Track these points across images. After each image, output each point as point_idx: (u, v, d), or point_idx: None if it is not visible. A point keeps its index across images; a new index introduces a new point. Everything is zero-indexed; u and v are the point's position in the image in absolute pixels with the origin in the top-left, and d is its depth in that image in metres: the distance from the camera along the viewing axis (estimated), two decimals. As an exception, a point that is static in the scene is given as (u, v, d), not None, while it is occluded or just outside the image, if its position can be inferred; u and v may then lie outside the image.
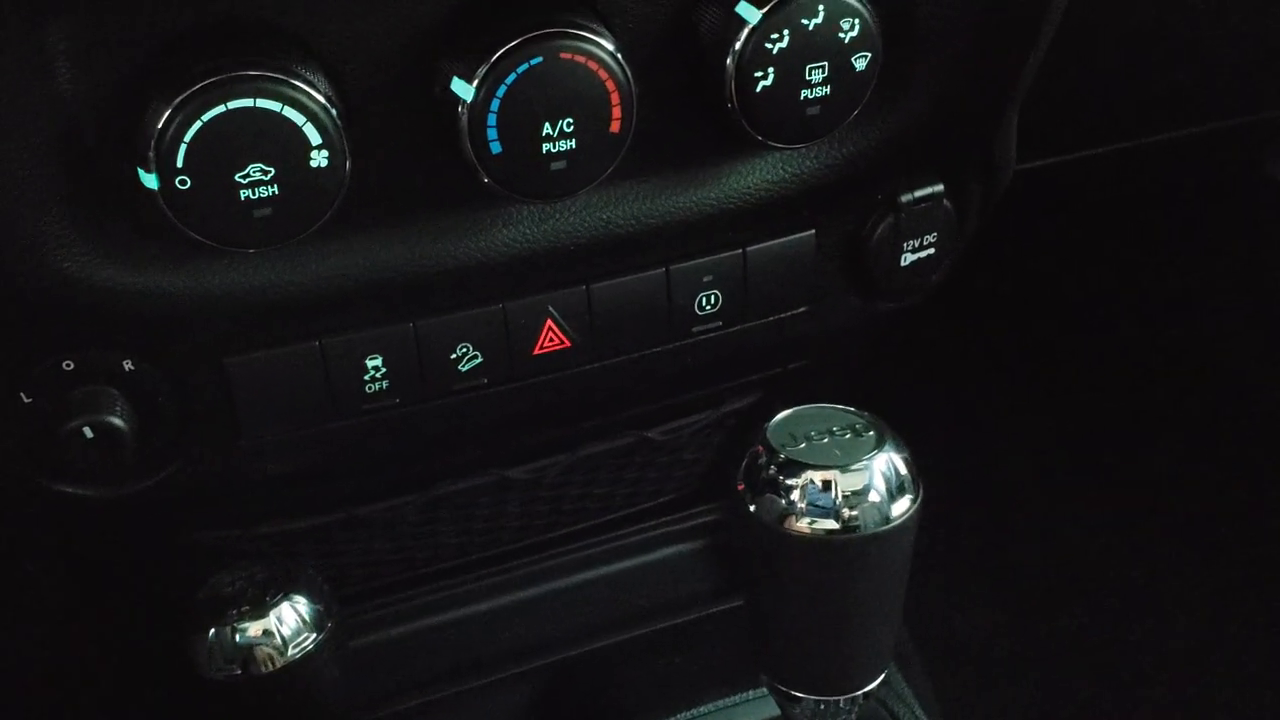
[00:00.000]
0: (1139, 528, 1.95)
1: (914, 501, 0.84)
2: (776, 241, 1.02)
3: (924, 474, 0.87)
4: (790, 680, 0.92)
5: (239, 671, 0.94)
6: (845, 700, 0.93)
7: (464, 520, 1.28)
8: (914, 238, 1.06)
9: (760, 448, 0.86)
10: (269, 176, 0.77)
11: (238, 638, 0.95)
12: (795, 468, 0.83)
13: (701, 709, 1.14)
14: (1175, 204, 1.63)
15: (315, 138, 0.77)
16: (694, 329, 1.02)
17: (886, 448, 0.84)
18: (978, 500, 1.96)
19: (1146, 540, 1.92)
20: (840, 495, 0.83)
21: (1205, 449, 1.97)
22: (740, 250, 1.01)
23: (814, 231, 1.03)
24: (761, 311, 1.05)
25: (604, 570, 1.35)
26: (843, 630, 0.89)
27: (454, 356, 0.94)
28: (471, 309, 0.93)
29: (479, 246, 0.90)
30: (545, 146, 0.82)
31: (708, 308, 1.02)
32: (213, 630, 0.95)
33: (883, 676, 0.92)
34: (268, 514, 1.13)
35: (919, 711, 1.21)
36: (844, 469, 0.83)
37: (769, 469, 0.85)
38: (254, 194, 0.77)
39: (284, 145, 0.76)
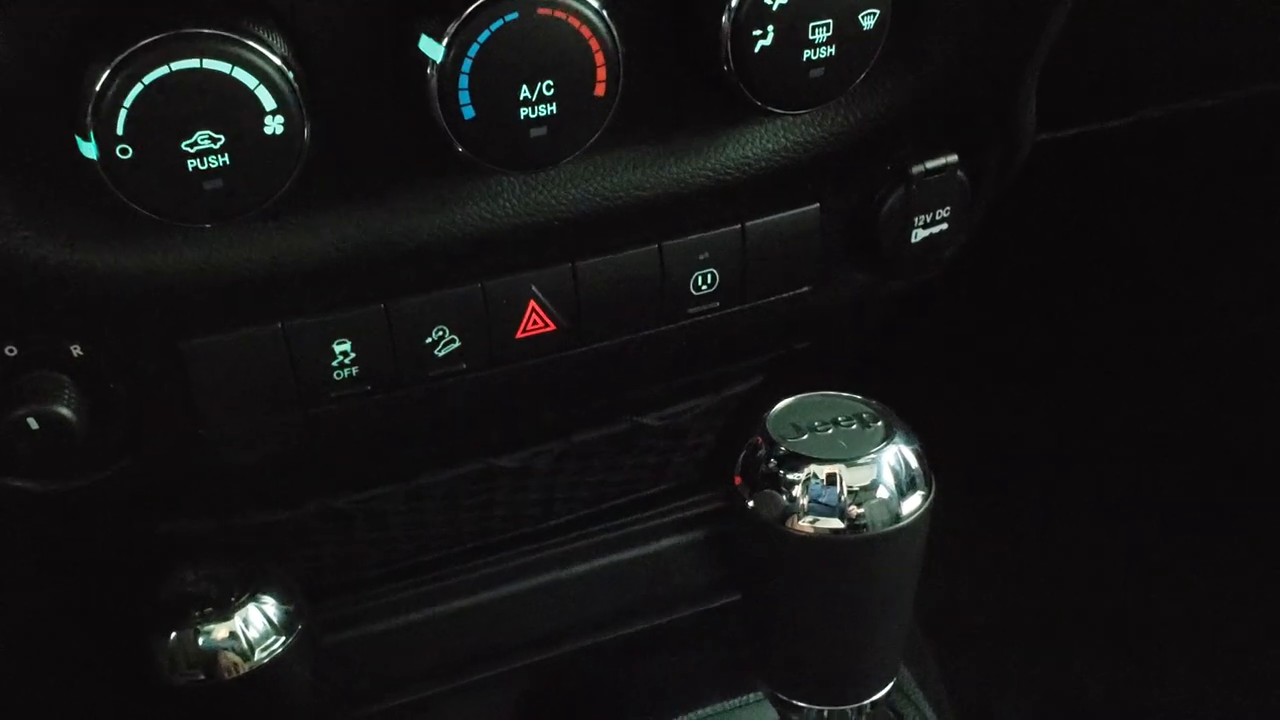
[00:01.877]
0: (1149, 510, 1.89)
1: (926, 498, 0.78)
2: (778, 216, 0.95)
3: (935, 463, 0.80)
4: (790, 689, 0.86)
5: (202, 677, 0.88)
6: (851, 710, 0.87)
7: (450, 511, 1.21)
8: (925, 211, 0.98)
9: (759, 439, 0.79)
10: (219, 145, 0.70)
11: (201, 641, 0.89)
12: (797, 461, 0.77)
13: (698, 713, 1.08)
14: (1209, 179, 1.55)
15: (269, 102, 0.69)
16: (689, 310, 0.95)
17: (896, 439, 0.78)
18: (985, 485, 1.90)
19: (1157, 521, 1.87)
20: (846, 491, 0.76)
21: (1222, 433, 1.91)
22: (739, 225, 0.93)
23: (818, 205, 0.96)
24: (762, 291, 0.97)
25: (598, 563, 1.29)
26: (848, 636, 0.82)
27: (429, 341, 0.87)
28: (448, 289, 0.86)
29: (454, 222, 0.82)
30: (523, 111, 0.74)
31: (704, 287, 0.95)
32: (174, 633, 0.89)
33: (891, 685, 0.86)
34: (239, 505, 1.07)
35: (929, 713, 1.14)
36: (850, 462, 0.76)
37: (768, 462, 0.78)
38: (203, 164, 0.70)
39: (235, 111, 0.69)
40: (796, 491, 0.76)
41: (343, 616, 1.18)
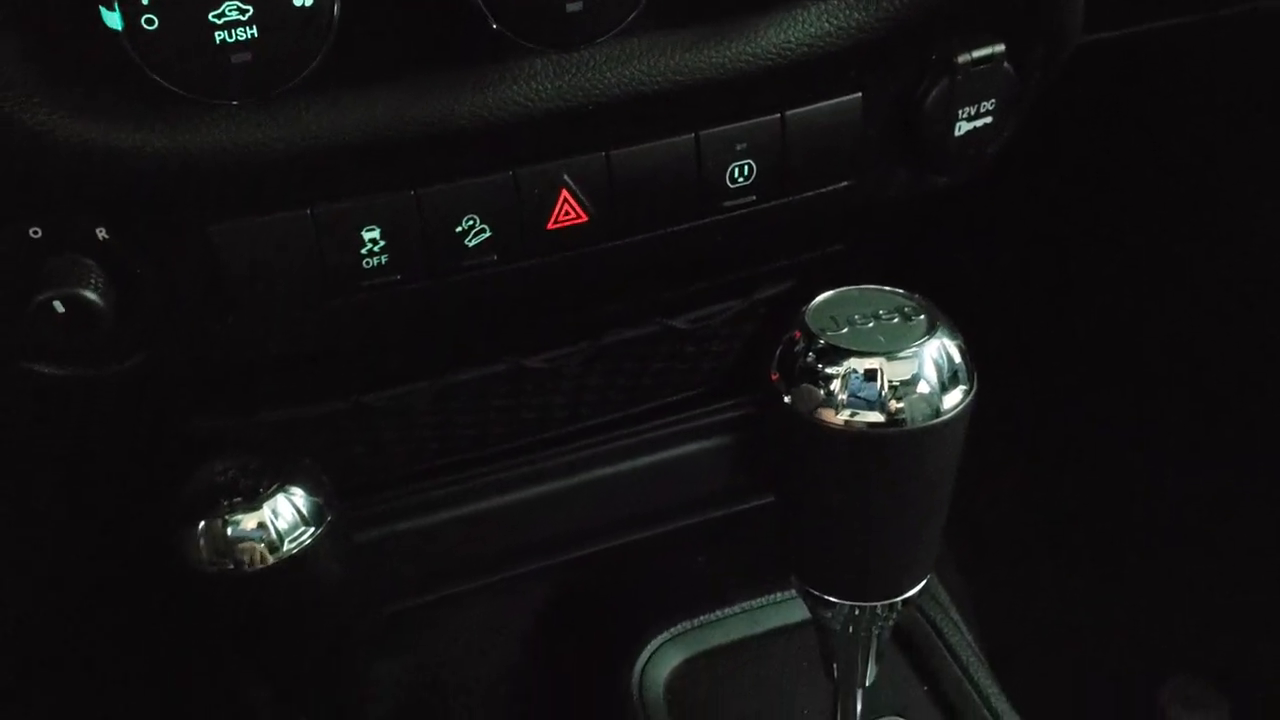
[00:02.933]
0: (1177, 423, 1.87)
1: (967, 394, 0.76)
2: (819, 105, 0.92)
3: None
4: (823, 584, 0.85)
5: (230, 566, 0.88)
6: (883, 607, 0.86)
7: (479, 412, 1.21)
8: (970, 104, 0.95)
9: (798, 333, 0.77)
10: (247, 16, 0.68)
11: (229, 530, 0.88)
12: (836, 354, 0.75)
13: (727, 611, 1.08)
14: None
15: (298, -29, 0.67)
16: (725, 204, 0.93)
17: (939, 333, 0.75)
18: (1008, 394, 1.88)
19: (1194, 434, 1.84)
20: (886, 385, 0.74)
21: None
22: (778, 115, 0.91)
23: (860, 94, 0.93)
24: (800, 185, 0.95)
25: (626, 465, 1.28)
26: (883, 534, 0.81)
27: (460, 229, 0.86)
28: (479, 176, 0.84)
29: (486, 105, 0.80)
30: None
31: (741, 179, 0.92)
32: (203, 522, 0.88)
33: (923, 583, 0.85)
34: (269, 400, 1.06)
35: (955, 615, 1.14)
36: (890, 356, 0.74)
37: (807, 355, 0.76)
38: (230, 36, 0.68)
39: None
40: (835, 386, 0.74)
41: (371, 515, 1.18)
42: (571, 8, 0.73)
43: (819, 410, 0.75)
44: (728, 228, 0.95)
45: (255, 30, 0.68)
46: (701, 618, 1.07)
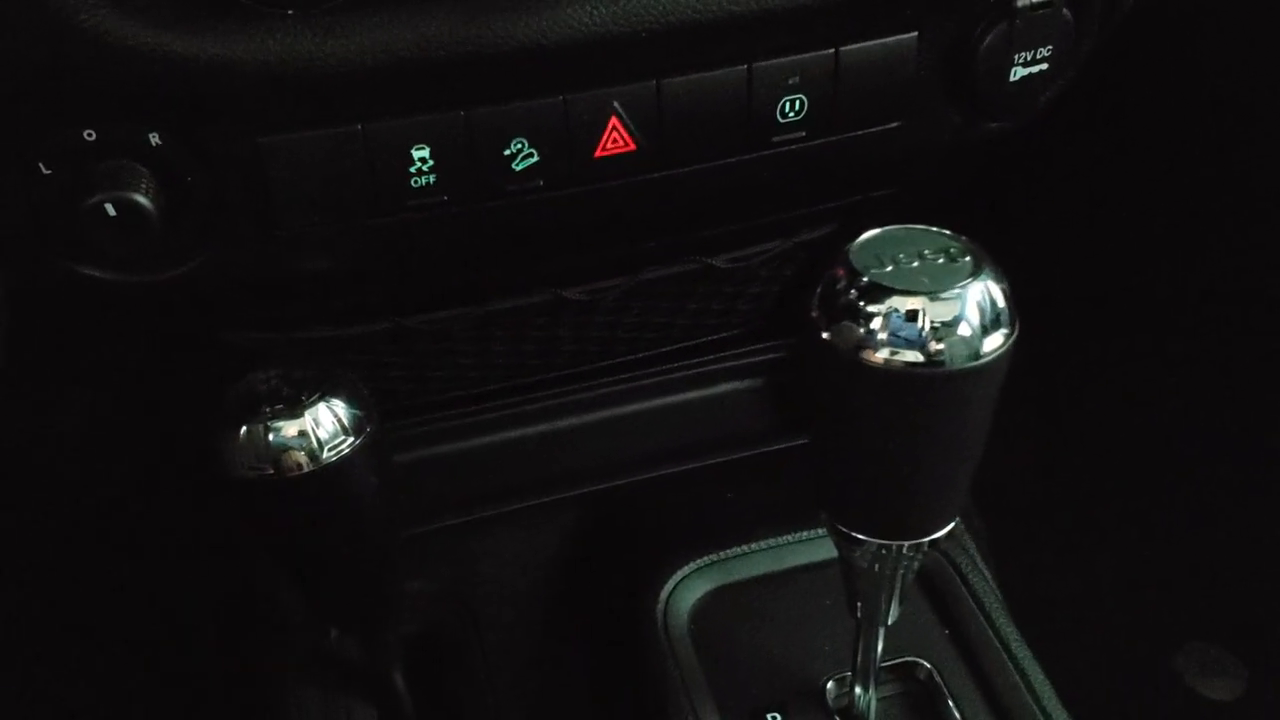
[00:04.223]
0: (1206, 391, 1.86)
1: (1009, 337, 0.76)
2: (874, 43, 0.91)
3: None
4: (853, 522, 0.85)
5: (270, 472, 0.89)
6: (909, 547, 0.86)
7: (517, 340, 1.21)
8: (1027, 49, 0.94)
9: (840, 270, 0.77)
10: (305, -75, 0.68)
11: (271, 436, 0.89)
12: (879, 292, 0.75)
13: (753, 546, 1.09)
14: None
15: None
16: (774, 139, 0.92)
17: (984, 275, 0.75)
18: (1038, 353, 1.87)
19: (1212, 404, 1.83)
20: (928, 325, 0.74)
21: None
22: (833, 50, 0.90)
23: (916, 34, 0.92)
24: (851, 123, 0.94)
25: (659, 401, 1.29)
26: (916, 473, 0.81)
27: (508, 153, 0.86)
28: (529, 100, 0.84)
29: (539, 27, 0.80)
30: None
31: (791, 114, 0.92)
32: (245, 428, 0.89)
33: (951, 526, 0.86)
34: (312, 317, 1.08)
35: (980, 562, 1.15)
36: (933, 296, 0.74)
37: (849, 293, 0.76)
38: None
39: None
40: (876, 324, 0.74)
41: (407, 437, 1.20)
42: (629, -70, 0.72)
43: (858, 348, 0.75)
44: (775, 163, 0.95)
45: None
46: (727, 551, 1.09)
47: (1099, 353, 1.91)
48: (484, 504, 1.19)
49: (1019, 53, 0.94)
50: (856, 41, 0.90)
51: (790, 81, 0.90)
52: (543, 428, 1.24)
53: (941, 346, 0.74)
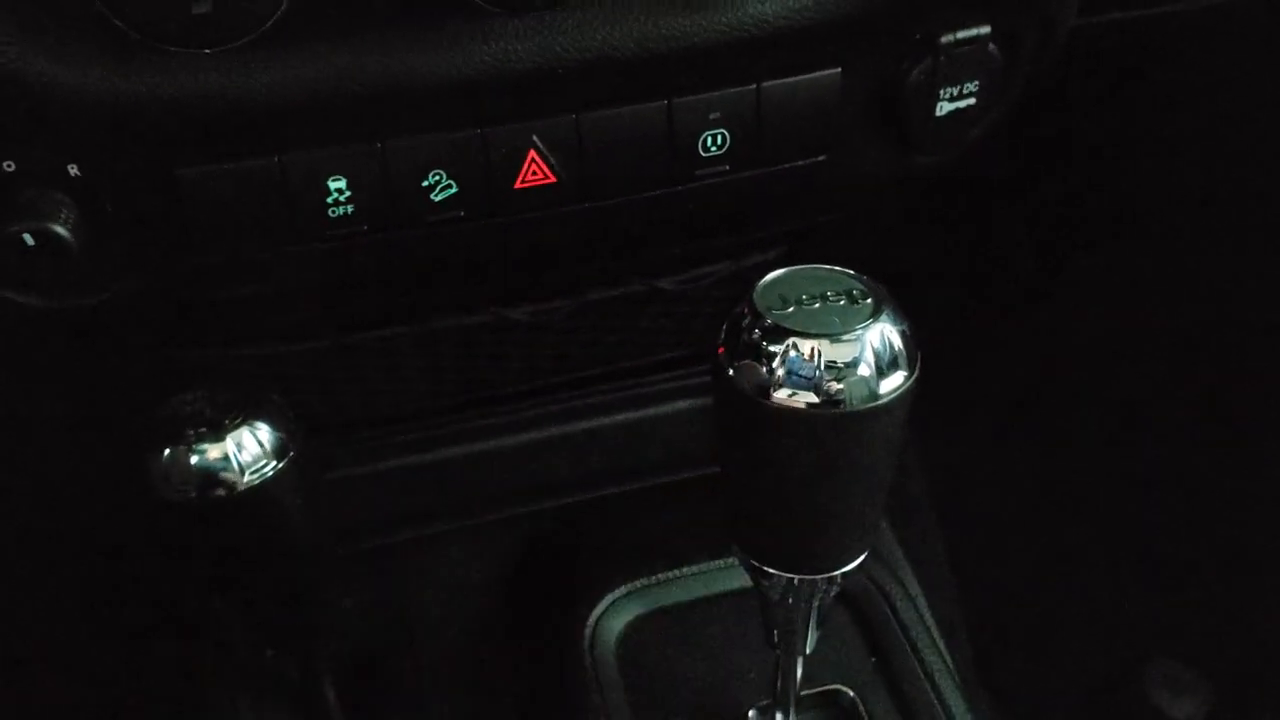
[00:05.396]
0: (1159, 410, 1.87)
1: (907, 379, 0.76)
2: (797, 79, 0.91)
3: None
4: (761, 555, 0.86)
5: (192, 495, 0.91)
6: (821, 579, 0.87)
7: (464, 358, 1.22)
8: (953, 84, 0.94)
9: (745, 309, 0.78)
10: (205, -32, 0.69)
11: (193, 459, 0.90)
12: (779, 333, 0.76)
13: (685, 571, 1.10)
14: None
15: (257, -76, 0.68)
16: (697, 172, 0.93)
17: (884, 318, 0.76)
18: (995, 370, 1.89)
19: (1166, 422, 1.84)
20: (825, 366, 0.75)
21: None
22: (754, 86, 0.90)
23: (840, 70, 0.93)
24: (775, 157, 0.95)
25: (605, 420, 1.29)
26: (820, 510, 0.82)
27: (426, 184, 0.87)
28: (446, 132, 0.85)
29: (456, 62, 0.81)
30: None
31: (714, 148, 0.92)
32: (167, 450, 0.91)
33: (861, 559, 0.86)
34: (252, 336, 1.09)
35: (913, 590, 1.15)
36: (832, 338, 0.75)
37: (752, 332, 0.77)
38: None
39: None
40: (776, 363, 0.75)
41: (352, 452, 1.21)
42: (531, -28, 0.73)
43: (760, 387, 0.76)
44: (703, 195, 0.96)
45: None
46: (661, 575, 1.09)
47: (1067, 373, 1.91)
48: (423, 522, 1.20)
49: (945, 88, 0.95)
50: (779, 77, 0.91)
51: (712, 116, 0.90)
52: (487, 445, 1.25)
53: (840, 387, 0.75)
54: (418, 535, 1.20)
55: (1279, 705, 1.77)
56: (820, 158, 0.97)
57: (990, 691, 1.67)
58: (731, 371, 0.77)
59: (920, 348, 0.78)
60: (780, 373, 0.76)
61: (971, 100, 0.96)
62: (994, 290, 1.78)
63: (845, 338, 0.75)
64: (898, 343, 0.76)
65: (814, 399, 0.75)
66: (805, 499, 0.81)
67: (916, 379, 0.77)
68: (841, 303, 0.78)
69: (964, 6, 0.92)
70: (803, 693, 1.02)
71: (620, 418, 1.31)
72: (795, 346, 0.75)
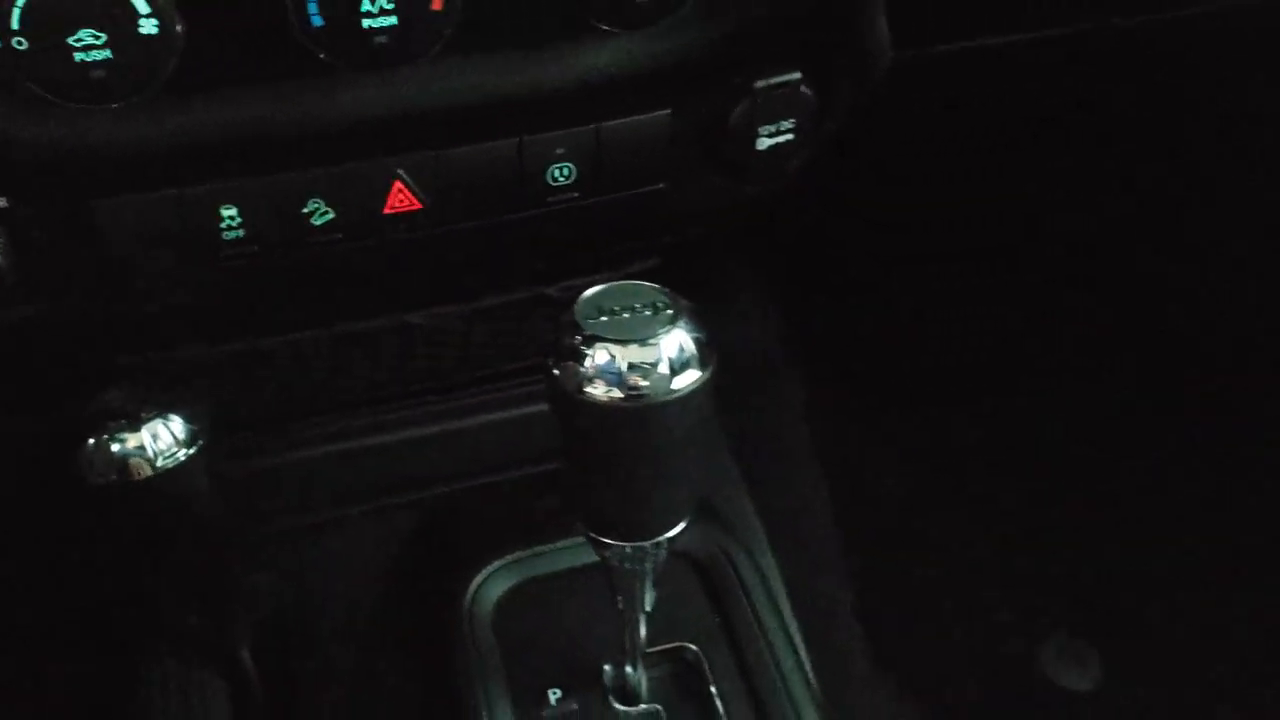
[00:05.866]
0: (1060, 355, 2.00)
1: (700, 377, 0.91)
2: (630, 119, 1.06)
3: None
4: (598, 528, 1.01)
5: (115, 478, 1.05)
6: (650, 545, 1.02)
7: (369, 360, 1.37)
8: (770, 122, 1.09)
9: (568, 318, 0.93)
10: (101, 41, 0.83)
11: (114, 448, 1.06)
12: (593, 339, 0.91)
13: (558, 544, 1.24)
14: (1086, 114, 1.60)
15: (144, 7, 0.83)
16: (549, 199, 1.08)
17: (679, 326, 0.91)
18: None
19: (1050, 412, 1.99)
20: (628, 367, 0.90)
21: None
22: (594, 126, 1.05)
23: (670, 111, 1.07)
24: (618, 186, 1.09)
25: (495, 416, 1.43)
26: (639, 487, 0.97)
27: (306, 210, 1.01)
28: (321, 167, 1.00)
29: (322, 111, 0.95)
30: (366, 22, 0.87)
31: (561, 179, 1.07)
32: (92, 440, 1.06)
33: (683, 525, 1.01)
34: (175, 341, 1.23)
35: (763, 557, 1.30)
36: (636, 343, 0.90)
37: (573, 339, 0.92)
38: (88, 56, 0.83)
39: (112, 14, 0.82)
40: (588, 366, 0.90)
41: (265, 445, 1.35)
42: (379, 40, 0.88)
43: (577, 385, 0.91)
44: (557, 218, 1.10)
45: (109, 53, 0.83)
46: (533, 549, 1.25)
47: (959, 351, 2.06)
48: (329, 507, 1.35)
49: (762, 126, 1.09)
50: (615, 118, 1.05)
51: (558, 152, 1.05)
52: (389, 438, 1.40)
53: (641, 383, 0.90)
54: (325, 519, 1.35)
55: (1167, 674, 1.91)
56: (660, 186, 1.12)
57: (893, 671, 1.81)
58: (556, 372, 0.92)
59: (716, 350, 0.93)
60: (593, 374, 0.90)
61: (790, 135, 1.11)
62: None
63: (647, 342, 0.90)
64: (690, 347, 0.90)
65: (620, 394, 0.90)
66: (626, 478, 0.96)
67: (709, 377, 0.92)
68: (647, 313, 0.92)
69: (775, 56, 1.07)
70: (653, 649, 1.18)
71: (508, 413, 1.46)
72: (605, 350, 0.90)
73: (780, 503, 1.62)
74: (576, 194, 1.08)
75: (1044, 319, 2.04)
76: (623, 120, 1.06)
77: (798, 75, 1.08)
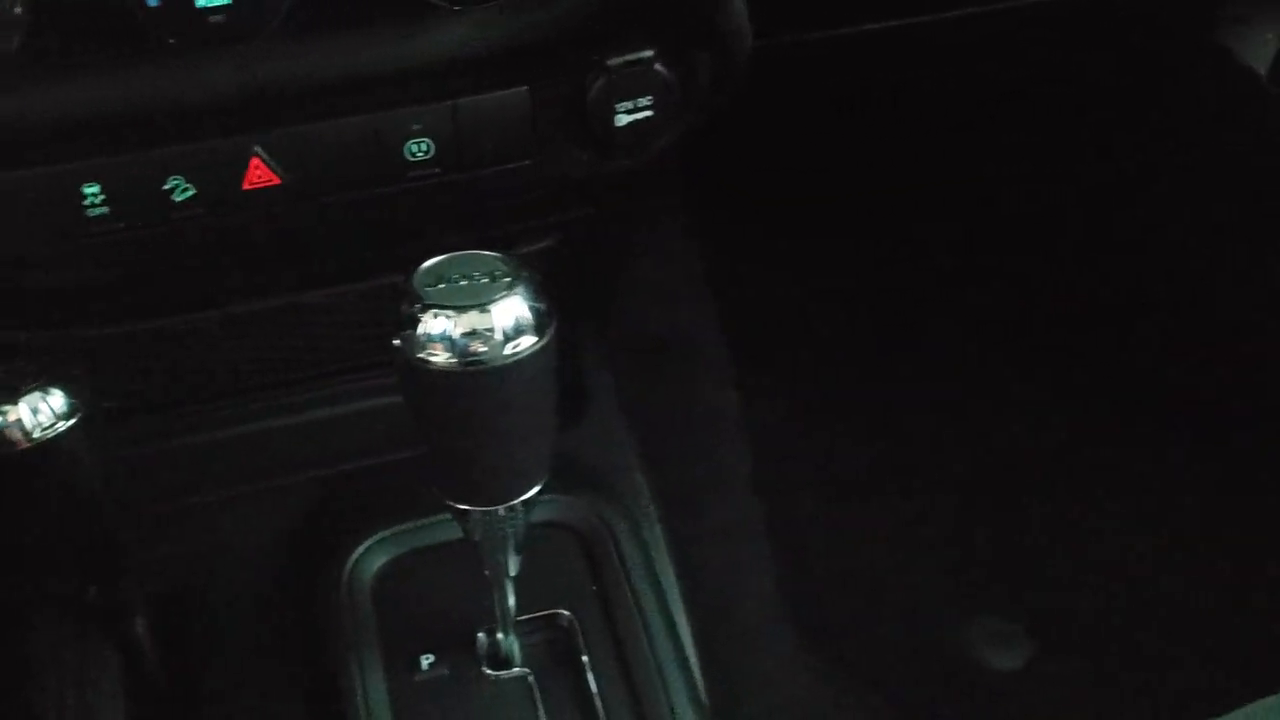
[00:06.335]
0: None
1: (536, 343, 0.93)
2: (488, 96, 1.09)
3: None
4: (453, 495, 1.04)
5: None
6: (504, 509, 1.05)
7: (263, 338, 1.39)
8: (627, 99, 1.11)
9: (406, 287, 0.96)
10: (-43, 20, 0.87)
11: None
12: (430, 307, 0.93)
13: (436, 517, 1.27)
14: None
15: (-21, -16, 0.86)
16: (410, 174, 1.10)
17: (515, 292, 0.93)
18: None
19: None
20: (462, 333, 0.92)
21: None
22: (451, 102, 1.08)
23: (528, 88, 1.10)
24: (480, 162, 1.12)
25: (383, 400, 1.45)
26: (487, 452, 1.00)
27: (167, 187, 1.04)
28: (179, 145, 1.03)
29: (172, 90, 0.99)
30: (199, 1, 0.90)
31: (420, 154, 1.09)
32: None
33: (537, 489, 1.03)
34: (59, 321, 1.26)
35: (648, 529, 1.33)
36: (472, 309, 0.93)
37: (411, 307, 0.94)
38: None
39: None
40: (423, 333, 0.93)
41: (157, 425, 1.38)
42: (214, 20, 0.91)
43: (415, 352, 0.93)
44: (420, 194, 1.13)
45: None
46: (412, 523, 1.27)
47: (890, 323, 2.09)
48: (220, 486, 1.39)
49: (619, 102, 1.12)
50: (472, 94, 1.08)
51: (414, 127, 1.08)
52: (280, 421, 1.42)
53: (480, 349, 0.93)
54: (217, 497, 1.39)
55: (1093, 653, 1.93)
56: (526, 161, 1.14)
57: (826, 658, 1.84)
58: (397, 341, 0.95)
59: (555, 318, 0.95)
60: (429, 341, 0.93)
61: (649, 113, 1.13)
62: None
63: (484, 309, 0.93)
64: (525, 314, 0.93)
65: (455, 361, 0.93)
66: (471, 444, 0.99)
67: (547, 343, 0.94)
68: (485, 280, 0.95)
69: (627, 34, 1.10)
70: (526, 616, 1.20)
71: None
72: (440, 317, 0.93)
73: (689, 476, 1.65)
74: (438, 169, 1.11)
75: (957, 298, 2.06)
76: (480, 96, 1.09)
77: (650, 53, 1.11)
